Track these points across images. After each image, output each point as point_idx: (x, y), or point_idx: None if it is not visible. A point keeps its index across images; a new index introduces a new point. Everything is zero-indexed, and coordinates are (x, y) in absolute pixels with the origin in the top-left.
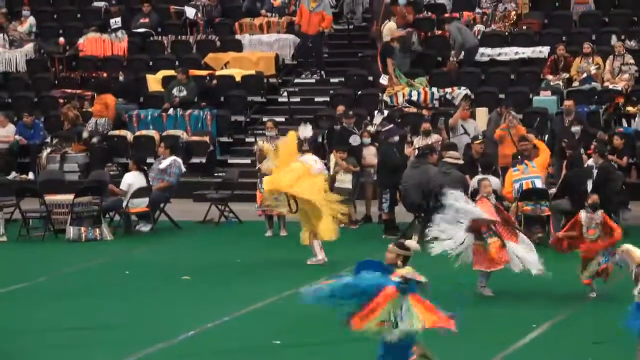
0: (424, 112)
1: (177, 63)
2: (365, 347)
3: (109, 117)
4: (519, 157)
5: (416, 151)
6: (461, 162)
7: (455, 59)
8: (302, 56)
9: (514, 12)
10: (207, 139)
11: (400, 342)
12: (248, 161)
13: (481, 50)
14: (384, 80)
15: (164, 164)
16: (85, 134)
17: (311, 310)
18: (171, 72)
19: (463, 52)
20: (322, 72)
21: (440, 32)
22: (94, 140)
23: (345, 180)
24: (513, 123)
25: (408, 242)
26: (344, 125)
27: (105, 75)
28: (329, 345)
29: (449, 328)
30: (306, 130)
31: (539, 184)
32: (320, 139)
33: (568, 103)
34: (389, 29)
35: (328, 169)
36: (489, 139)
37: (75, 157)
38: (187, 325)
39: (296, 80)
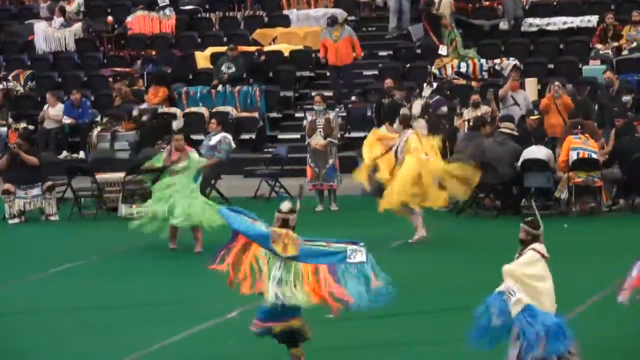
0: (473, 83)
1: (225, 39)
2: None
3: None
4: (579, 127)
5: (466, 123)
6: (516, 133)
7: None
8: (336, 88)
9: None
10: (256, 114)
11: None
12: (297, 136)
13: (529, 20)
14: (442, 51)
15: (214, 140)
16: (135, 112)
17: None
18: (219, 49)
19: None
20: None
21: (488, 3)
22: (144, 118)
23: None
24: (558, 93)
25: (281, 205)
26: (393, 98)
27: (153, 53)
28: (393, 318)
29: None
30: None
31: (596, 157)
32: (369, 113)
33: (607, 75)
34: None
35: None
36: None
37: (125, 135)
38: (243, 300)
39: None
